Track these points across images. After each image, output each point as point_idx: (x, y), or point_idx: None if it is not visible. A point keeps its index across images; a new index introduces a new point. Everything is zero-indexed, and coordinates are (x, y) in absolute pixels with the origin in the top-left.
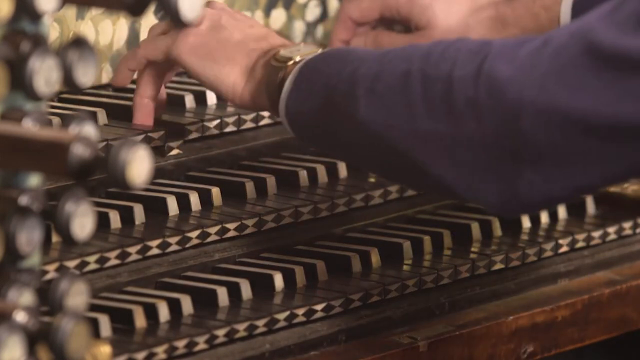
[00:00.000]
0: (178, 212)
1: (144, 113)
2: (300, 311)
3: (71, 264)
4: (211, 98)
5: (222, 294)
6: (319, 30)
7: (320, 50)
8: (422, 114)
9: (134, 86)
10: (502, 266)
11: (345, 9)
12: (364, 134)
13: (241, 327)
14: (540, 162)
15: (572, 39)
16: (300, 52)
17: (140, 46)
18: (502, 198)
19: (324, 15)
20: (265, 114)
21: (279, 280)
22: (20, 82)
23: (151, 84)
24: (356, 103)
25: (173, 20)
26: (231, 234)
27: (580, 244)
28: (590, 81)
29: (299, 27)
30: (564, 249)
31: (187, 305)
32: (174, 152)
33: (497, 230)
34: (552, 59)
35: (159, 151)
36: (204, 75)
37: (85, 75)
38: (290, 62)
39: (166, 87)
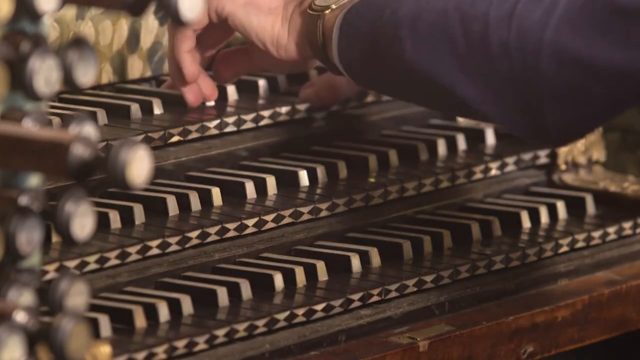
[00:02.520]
0: (178, 212)
1: (193, 67)
2: (300, 311)
3: (71, 264)
4: None
5: (222, 294)
6: None
7: None
8: (462, 52)
9: (134, 86)
10: (502, 266)
11: None
12: (412, 73)
13: (241, 327)
14: (559, 100)
15: None
16: (335, 0)
17: None
18: (538, 131)
19: None
20: (265, 113)
21: (279, 280)
22: (20, 82)
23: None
24: (401, 44)
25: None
26: (231, 234)
27: (580, 244)
28: (595, 27)
29: None
30: (564, 249)
31: (187, 305)
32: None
33: (497, 230)
34: (567, 2)
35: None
36: (248, 23)
37: (85, 75)
38: (327, 11)
39: (165, 89)
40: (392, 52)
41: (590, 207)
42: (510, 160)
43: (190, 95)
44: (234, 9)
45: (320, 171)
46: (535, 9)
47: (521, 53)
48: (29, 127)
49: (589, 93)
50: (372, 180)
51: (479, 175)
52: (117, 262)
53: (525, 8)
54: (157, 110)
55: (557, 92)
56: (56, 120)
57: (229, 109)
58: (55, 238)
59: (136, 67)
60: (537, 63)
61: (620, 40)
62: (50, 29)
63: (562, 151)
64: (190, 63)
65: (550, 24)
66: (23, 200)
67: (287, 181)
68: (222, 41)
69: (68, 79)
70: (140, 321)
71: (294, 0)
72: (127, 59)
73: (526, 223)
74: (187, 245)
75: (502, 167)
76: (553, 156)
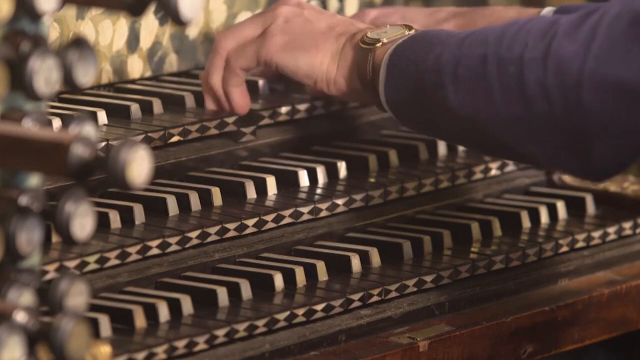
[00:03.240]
0: (178, 212)
1: (243, 99)
2: (300, 311)
3: (71, 264)
4: None
5: (222, 294)
6: None
7: (407, 32)
8: (499, 98)
9: (134, 86)
10: (502, 266)
11: None
12: (455, 119)
13: (241, 327)
14: (603, 133)
15: (621, 9)
16: (387, 34)
17: (232, 61)
18: (583, 168)
19: None
20: (265, 114)
21: (279, 280)
22: (20, 82)
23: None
24: (444, 90)
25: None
26: (231, 234)
27: (580, 244)
28: (636, 50)
29: None
30: (564, 249)
31: (187, 305)
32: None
33: (497, 230)
34: (607, 30)
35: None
36: (297, 67)
37: (85, 75)
38: (379, 44)
39: (166, 88)
40: (436, 98)
41: (590, 207)
42: None
43: (212, 105)
44: (280, 57)
45: (320, 171)
46: (571, 44)
47: (560, 90)
48: (29, 127)
49: (636, 120)
50: (372, 180)
51: (479, 175)
52: (117, 262)
53: (559, 46)
54: (157, 110)
55: (602, 124)
56: (56, 120)
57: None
58: (55, 238)
59: (136, 67)
60: (579, 97)
61: None
62: (50, 29)
63: None
64: (239, 96)
65: (589, 56)
66: (23, 200)
67: (287, 181)
68: (276, 75)
69: (68, 79)
70: (140, 321)
71: (345, 33)
72: (127, 59)
73: (526, 223)
74: (187, 245)
75: (502, 167)
76: None
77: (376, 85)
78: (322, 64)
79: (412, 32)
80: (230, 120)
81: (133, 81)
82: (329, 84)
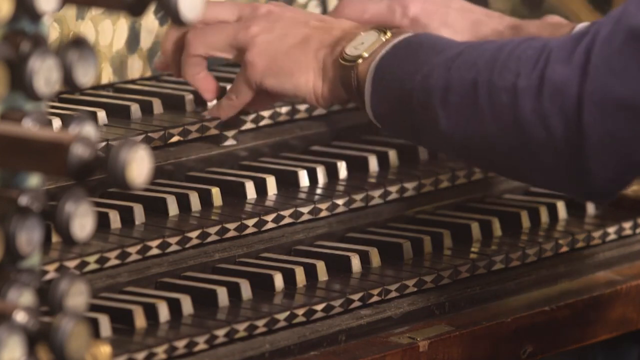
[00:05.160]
0: (178, 212)
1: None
2: (300, 311)
3: (71, 264)
4: None
5: (222, 294)
6: None
7: (382, 37)
8: (493, 126)
9: (134, 86)
10: (502, 266)
11: None
12: (448, 143)
13: (241, 327)
14: (603, 154)
15: (615, 26)
16: (365, 46)
17: (229, 96)
18: (583, 191)
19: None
20: (266, 114)
21: (279, 280)
22: (20, 82)
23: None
24: (435, 114)
25: (173, 20)
26: (231, 234)
27: (580, 244)
28: (634, 65)
29: None
30: (564, 249)
31: (187, 305)
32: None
33: (497, 230)
34: (601, 48)
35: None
36: (284, 90)
37: (85, 75)
38: (360, 60)
39: (166, 88)
40: (426, 119)
41: (590, 207)
42: None
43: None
44: (267, 82)
45: (320, 171)
46: (565, 69)
47: (559, 115)
48: (29, 127)
49: (636, 137)
50: (372, 180)
51: (478, 175)
52: (117, 262)
53: (554, 72)
54: (157, 110)
55: (601, 144)
56: (56, 120)
57: None
58: (55, 238)
59: (136, 67)
60: (579, 119)
61: None
62: (50, 29)
63: None
64: (205, 84)
65: (586, 78)
66: (23, 200)
67: (287, 181)
68: (270, 103)
69: (68, 79)
70: (140, 321)
71: (321, 47)
72: (127, 59)
73: (526, 223)
74: (187, 245)
75: None
76: None
77: (363, 98)
78: (308, 82)
79: (389, 36)
80: (229, 121)
81: (133, 81)
82: (318, 99)
